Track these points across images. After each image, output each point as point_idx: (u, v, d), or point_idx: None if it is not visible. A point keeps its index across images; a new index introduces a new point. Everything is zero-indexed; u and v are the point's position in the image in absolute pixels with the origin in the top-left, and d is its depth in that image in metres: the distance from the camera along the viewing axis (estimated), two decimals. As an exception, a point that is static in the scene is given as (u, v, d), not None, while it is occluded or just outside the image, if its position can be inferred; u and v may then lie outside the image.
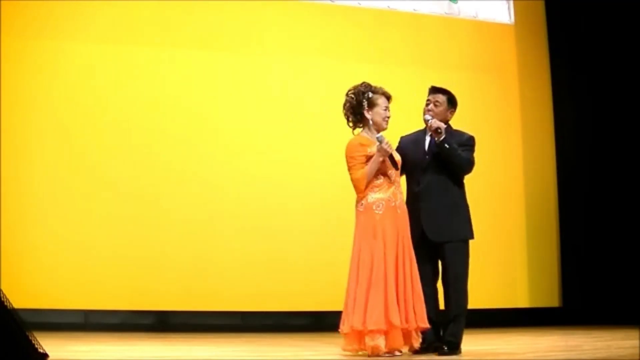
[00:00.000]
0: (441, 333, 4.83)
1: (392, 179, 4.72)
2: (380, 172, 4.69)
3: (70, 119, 7.21)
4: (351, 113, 4.84)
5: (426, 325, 4.64)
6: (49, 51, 7.23)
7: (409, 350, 4.64)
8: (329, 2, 8.05)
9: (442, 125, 4.78)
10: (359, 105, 4.80)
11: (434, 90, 5.00)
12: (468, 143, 4.92)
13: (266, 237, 7.40)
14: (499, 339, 4.96)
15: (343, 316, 4.65)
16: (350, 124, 4.88)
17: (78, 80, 7.26)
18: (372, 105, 4.79)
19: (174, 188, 7.34)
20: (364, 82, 4.88)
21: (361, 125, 4.83)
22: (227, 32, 7.69)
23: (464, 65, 8.30)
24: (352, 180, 4.70)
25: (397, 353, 4.57)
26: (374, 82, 8.08)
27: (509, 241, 8.17)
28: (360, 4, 8.13)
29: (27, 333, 3.84)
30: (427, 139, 4.93)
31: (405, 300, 4.58)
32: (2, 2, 6.87)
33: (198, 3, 7.57)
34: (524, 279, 8.23)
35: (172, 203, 7.33)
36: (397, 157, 4.78)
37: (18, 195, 6.97)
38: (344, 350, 4.68)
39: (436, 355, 4.70)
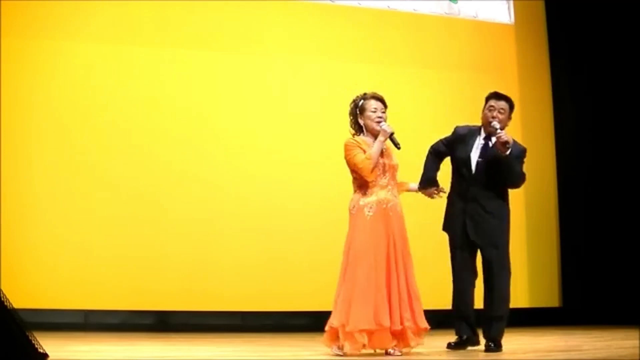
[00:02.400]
0: (481, 331, 4.96)
1: (386, 183, 4.77)
2: (376, 174, 4.73)
3: (70, 119, 7.21)
4: (352, 125, 4.91)
5: (425, 325, 4.67)
6: (48, 51, 7.23)
7: (400, 349, 4.62)
8: (329, 2, 8.05)
9: (511, 141, 4.81)
10: (355, 115, 4.88)
11: (498, 96, 5.00)
12: (522, 156, 5.00)
13: (266, 237, 7.40)
14: (502, 342, 4.97)
15: (332, 313, 4.67)
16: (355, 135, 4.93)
17: (78, 80, 7.26)
18: (362, 111, 4.85)
19: (174, 188, 7.34)
20: (361, 94, 4.92)
21: (362, 133, 4.89)
22: (227, 32, 7.69)
23: (464, 65, 8.30)
24: (356, 165, 4.72)
25: (391, 351, 4.59)
26: (373, 82, 8.14)
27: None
28: (360, 4, 8.13)
29: (27, 333, 3.84)
30: (482, 139, 4.98)
31: (400, 301, 4.60)
32: (2, 2, 6.87)
33: (198, 3, 7.57)
34: (524, 279, 8.23)
35: (172, 203, 7.33)
36: (394, 162, 4.83)
37: (18, 195, 6.97)
38: (327, 346, 4.70)
39: (481, 351, 4.85)
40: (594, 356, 4.64)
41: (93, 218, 7.13)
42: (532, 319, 7.96)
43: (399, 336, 4.62)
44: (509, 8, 8.69)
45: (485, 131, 4.98)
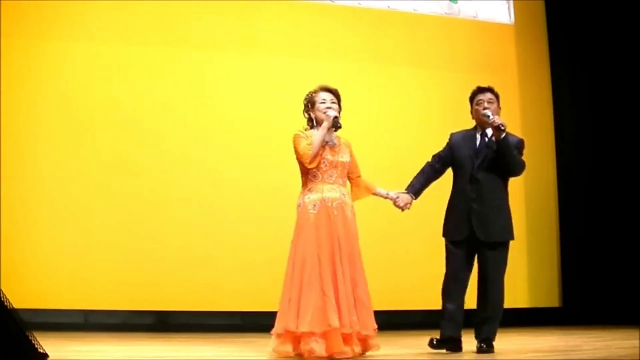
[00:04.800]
0: (476, 331, 4.93)
1: (333, 179, 4.72)
2: (319, 170, 4.67)
3: (71, 119, 7.21)
4: (307, 118, 4.88)
5: (370, 332, 4.58)
6: (49, 51, 7.23)
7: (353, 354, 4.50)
8: (329, 2, 8.05)
9: (505, 123, 4.82)
10: (307, 110, 4.86)
11: (481, 90, 5.06)
12: (518, 146, 5.01)
13: (266, 237, 7.39)
14: (499, 339, 4.96)
15: (277, 316, 4.61)
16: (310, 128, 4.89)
17: (78, 80, 7.26)
18: (312, 104, 4.83)
19: (174, 188, 7.35)
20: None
21: (316, 124, 4.82)
22: (227, 32, 7.69)
23: (464, 65, 8.30)
24: (298, 152, 4.68)
25: (344, 357, 4.44)
26: (373, 82, 8.17)
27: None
28: (360, 4, 8.13)
29: (27, 333, 3.85)
30: (479, 137, 5.00)
31: (347, 303, 4.50)
32: (2, 2, 6.87)
33: (198, 3, 7.57)
34: (524, 279, 8.23)
35: (172, 203, 7.33)
36: (344, 159, 4.76)
37: (18, 195, 6.97)
38: (275, 351, 4.58)
39: (473, 352, 4.81)
40: (594, 356, 4.64)
41: (93, 218, 7.14)
42: (532, 319, 7.97)
43: (348, 340, 4.48)
44: (509, 8, 8.69)
45: (480, 127, 5.00)
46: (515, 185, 8.30)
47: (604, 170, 8.38)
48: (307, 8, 7.97)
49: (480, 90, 5.05)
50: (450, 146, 5.08)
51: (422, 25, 8.31)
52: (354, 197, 4.87)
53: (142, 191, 7.27)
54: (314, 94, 4.83)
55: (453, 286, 4.91)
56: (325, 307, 4.44)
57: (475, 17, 8.53)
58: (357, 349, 4.54)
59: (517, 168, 4.98)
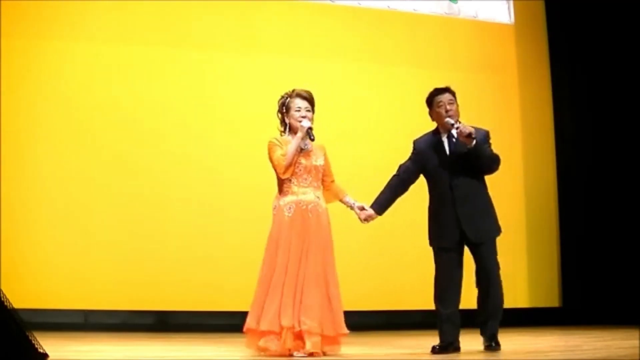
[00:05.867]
0: (481, 331, 4.94)
1: (307, 183, 4.79)
2: (293, 175, 4.76)
3: (71, 119, 7.22)
4: (280, 123, 4.94)
5: (330, 333, 4.64)
6: (49, 51, 7.23)
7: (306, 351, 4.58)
8: (329, 2, 8.05)
9: (473, 131, 4.72)
10: (282, 113, 4.92)
11: (439, 91, 4.94)
12: (485, 140, 4.92)
13: (266, 237, 7.38)
14: (499, 339, 4.96)
15: (248, 315, 4.74)
16: (282, 132, 4.95)
17: (78, 80, 7.27)
18: (288, 109, 4.88)
19: (174, 188, 7.35)
20: (291, 90, 4.93)
21: (290, 131, 4.89)
22: (227, 32, 7.69)
23: (464, 65, 8.30)
24: (273, 162, 4.78)
25: (296, 354, 4.56)
26: (373, 82, 8.17)
27: (509, 241, 8.13)
28: (360, 4, 8.13)
29: (27, 333, 3.84)
30: (445, 140, 4.90)
31: (307, 303, 4.58)
32: (2, 2, 6.87)
33: (198, 3, 7.57)
34: (524, 279, 8.23)
35: (172, 203, 7.34)
36: (318, 163, 4.81)
37: (18, 195, 6.97)
38: (248, 347, 4.77)
39: (480, 351, 4.83)
40: (594, 356, 4.64)
41: (93, 218, 7.14)
42: (532, 319, 7.96)
43: (300, 338, 4.59)
44: (509, 8, 8.69)
45: (445, 130, 4.89)
46: (516, 185, 8.37)
47: (604, 170, 8.38)
48: (307, 8, 7.97)
49: (438, 91, 4.94)
50: (418, 156, 4.96)
51: (422, 25, 8.31)
52: (325, 200, 4.91)
53: (142, 191, 7.27)
54: (289, 99, 4.87)
55: (447, 290, 4.84)
56: (281, 307, 4.57)
57: (475, 17, 8.53)
58: (310, 346, 4.56)
59: (492, 166, 4.90)
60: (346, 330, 4.72)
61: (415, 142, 5.02)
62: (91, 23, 7.33)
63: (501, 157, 4.96)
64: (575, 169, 8.55)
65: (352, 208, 4.98)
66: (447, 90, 4.95)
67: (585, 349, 5.22)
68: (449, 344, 4.85)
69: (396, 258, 7.67)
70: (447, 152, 4.87)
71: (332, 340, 4.69)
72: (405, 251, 7.68)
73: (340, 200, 4.99)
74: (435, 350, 4.82)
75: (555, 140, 8.61)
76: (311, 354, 4.54)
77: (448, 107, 4.86)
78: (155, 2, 7.47)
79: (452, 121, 4.79)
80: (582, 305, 8.20)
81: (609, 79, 8.39)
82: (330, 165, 4.95)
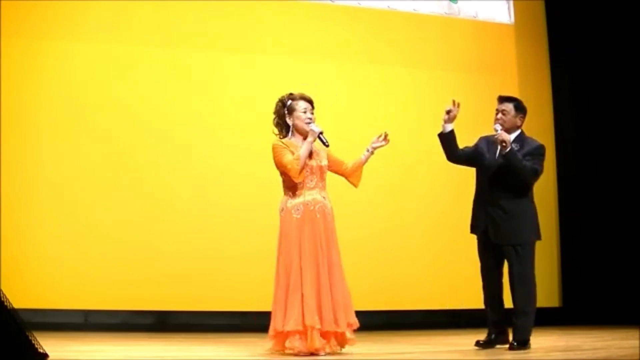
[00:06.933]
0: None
1: (314, 184, 4.85)
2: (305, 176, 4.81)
3: (71, 119, 7.21)
4: (277, 124, 5.00)
5: (339, 330, 4.70)
6: (49, 51, 7.23)
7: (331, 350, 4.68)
8: (329, 2, 8.05)
9: (508, 139, 4.97)
10: (282, 115, 4.94)
11: (501, 99, 5.29)
12: (537, 152, 5.16)
13: (267, 237, 7.37)
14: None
15: (271, 319, 4.79)
16: (279, 134, 5.01)
17: (78, 79, 7.26)
18: (291, 111, 4.92)
19: (174, 188, 7.35)
20: (287, 93, 4.98)
21: (289, 133, 4.95)
22: (227, 32, 7.69)
23: (464, 65, 8.30)
24: (285, 166, 4.81)
25: (322, 354, 4.63)
26: (372, 82, 8.16)
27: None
28: (360, 4, 8.13)
29: (27, 333, 3.85)
30: (498, 145, 5.12)
31: (327, 304, 4.67)
32: (2, 2, 6.87)
33: (198, 3, 7.56)
34: (524, 279, 8.22)
35: (173, 203, 7.33)
36: (323, 163, 4.89)
37: (18, 195, 6.97)
38: (274, 350, 4.78)
39: (506, 349, 4.97)
40: (594, 356, 4.64)
41: (93, 218, 7.14)
42: (532, 319, 7.96)
43: (330, 337, 4.68)
44: (509, 8, 8.69)
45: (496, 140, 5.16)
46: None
47: (604, 171, 8.38)
48: (307, 8, 7.97)
49: (498, 99, 5.30)
50: (475, 147, 5.27)
51: (422, 25, 8.30)
52: (357, 181, 5.04)
53: (142, 191, 7.27)
54: (293, 102, 4.91)
55: (488, 287, 5.12)
56: (304, 307, 4.64)
57: (475, 17, 8.53)
58: (335, 346, 4.72)
59: (527, 178, 5.09)
60: (353, 323, 4.82)
61: (480, 138, 5.31)
62: (91, 23, 7.32)
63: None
64: (575, 170, 8.55)
65: (372, 151, 5.08)
66: (506, 99, 5.30)
67: (585, 349, 5.22)
68: (491, 339, 5.08)
69: (396, 258, 7.66)
70: (496, 155, 5.11)
71: (344, 335, 4.77)
72: (406, 251, 7.68)
73: (363, 164, 5.07)
74: (477, 344, 5.08)
75: (555, 140, 8.61)
76: (334, 351, 4.67)
77: (500, 115, 5.19)
78: (156, 2, 7.46)
79: (497, 127, 5.10)
80: (582, 305, 8.20)
81: (609, 80, 8.39)
82: (335, 155, 5.04)
